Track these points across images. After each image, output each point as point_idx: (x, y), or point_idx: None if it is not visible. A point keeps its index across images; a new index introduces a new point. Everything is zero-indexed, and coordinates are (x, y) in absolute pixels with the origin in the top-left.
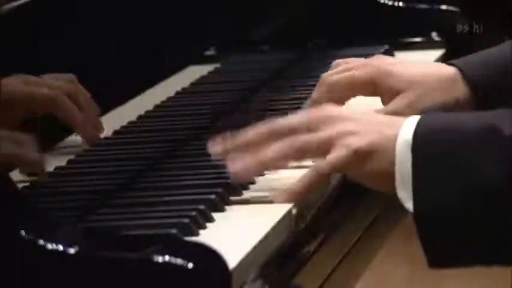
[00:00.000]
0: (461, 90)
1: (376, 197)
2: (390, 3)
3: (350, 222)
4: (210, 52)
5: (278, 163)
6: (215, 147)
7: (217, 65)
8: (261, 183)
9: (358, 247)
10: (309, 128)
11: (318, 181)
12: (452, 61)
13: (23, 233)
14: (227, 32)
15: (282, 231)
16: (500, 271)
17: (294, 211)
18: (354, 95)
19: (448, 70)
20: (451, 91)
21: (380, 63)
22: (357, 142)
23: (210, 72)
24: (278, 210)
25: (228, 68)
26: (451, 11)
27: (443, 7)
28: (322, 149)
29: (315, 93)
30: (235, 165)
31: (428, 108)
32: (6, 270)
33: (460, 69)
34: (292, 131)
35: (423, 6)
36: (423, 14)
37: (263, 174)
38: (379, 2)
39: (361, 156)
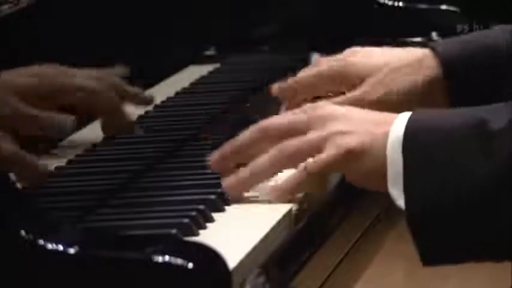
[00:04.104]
0: (431, 68)
1: (376, 198)
2: (390, 3)
3: (349, 223)
4: (210, 52)
5: (271, 173)
6: (212, 161)
7: (217, 65)
8: (261, 183)
9: (357, 247)
10: (300, 129)
11: (308, 180)
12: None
13: (23, 233)
14: (227, 32)
15: (282, 231)
16: (500, 270)
17: (294, 211)
18: (322, 91)
19: (417, 51)
20: (419, 70)
21: (344, 55)
22: (348, 142)
23: (210, 72)
24: (278, 210)
25: (228, 68)
26: (451, 11)
27: (443, 7)
28: (314, 151)
29: (282, 94)
30: (229, 181)
31: (396, 90)
32: (6, 270)
33: (431, 48)
34: (283, 133)
35: (423, 6)
36: (423, 14)
37: None
38: (379, 2)
39: (353, 156)
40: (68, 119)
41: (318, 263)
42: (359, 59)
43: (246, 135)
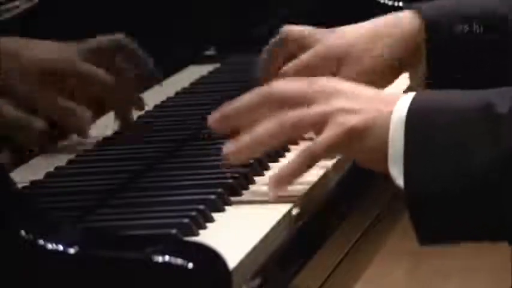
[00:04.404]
0: (414, 31)
1: (376, 198)
2: (390, 3)
3: (349, 223)
4: (210, 52)
5: (271, 142)
6: (211, 120)
7: (217, 65)
8: (261, 183)
9: (357, 247)
10: (304, 100)
11: (310, 163)
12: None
13: (23, 233)
14: (227, 32)
15: (282, 231)
16: (501, 270)
17: (294, 211)
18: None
19: (401, 16)
20: (398, 33)
21: (319, 36)
22: (351, 121)
23: (210, 72)
24: (278, 210)
25: (228, 68)
26: None
27: None
28: (316, 125)
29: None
30: (229, 148)
31: (381, 56)
32: (6, 270)
33: (416, 11)
34: (286, 102)
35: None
36: None
37: (263, 174)
38: (379, 2)
39: (355, 134)
40: (87, 113)
41: (318, 263)
42: (335, 40)
43: (248, 98)
